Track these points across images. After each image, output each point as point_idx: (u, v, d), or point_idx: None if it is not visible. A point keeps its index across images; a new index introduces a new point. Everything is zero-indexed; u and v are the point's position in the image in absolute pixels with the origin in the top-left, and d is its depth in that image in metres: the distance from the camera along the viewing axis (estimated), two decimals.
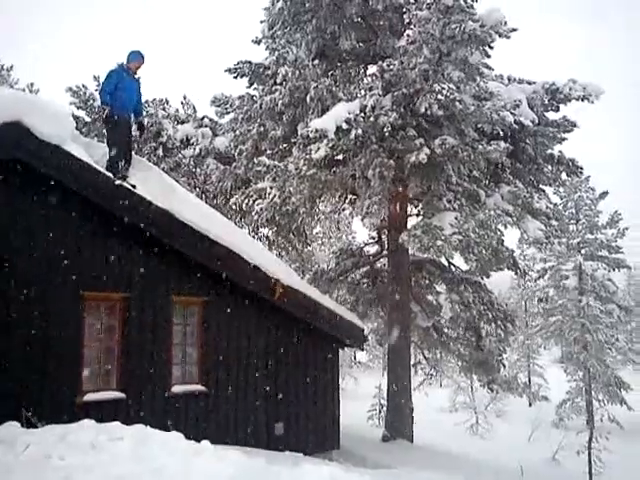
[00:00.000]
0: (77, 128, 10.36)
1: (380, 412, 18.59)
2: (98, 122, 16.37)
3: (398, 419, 13.39)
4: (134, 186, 8.00)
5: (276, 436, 9.37)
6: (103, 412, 7.09)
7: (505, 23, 10.89)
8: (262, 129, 13.43)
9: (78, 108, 17.74)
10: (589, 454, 14.60)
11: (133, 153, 8.98)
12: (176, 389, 8.38)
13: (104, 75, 8.67)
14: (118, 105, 8.39)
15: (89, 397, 7.50)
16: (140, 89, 8.95)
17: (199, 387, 8.65)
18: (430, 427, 16.61)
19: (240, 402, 9.07)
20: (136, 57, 8.73)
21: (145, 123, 10.27)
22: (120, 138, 8.46)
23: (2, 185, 7.12)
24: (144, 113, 10.60)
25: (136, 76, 8.80)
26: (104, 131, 9.90)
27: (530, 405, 28.55)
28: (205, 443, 5.64)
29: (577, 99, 13.08)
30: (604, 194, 26.46)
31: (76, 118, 15.62)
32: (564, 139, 13.55)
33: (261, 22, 14.32)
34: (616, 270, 26.49)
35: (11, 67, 25.43)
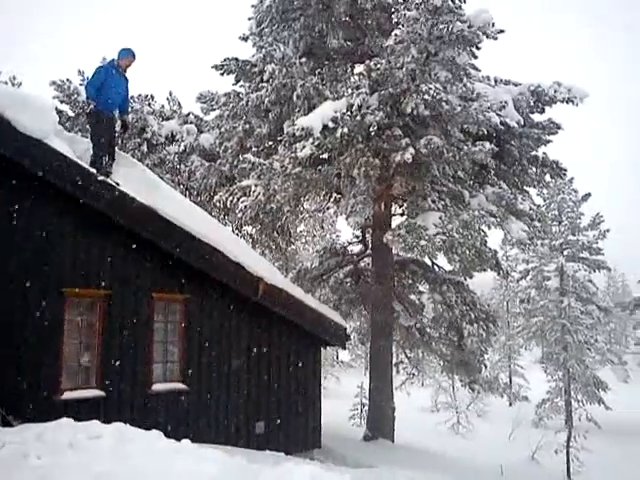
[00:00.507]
0: (60, 122, 10.23)
1: (362, 411, 18.63)
2: (82, 117, 16.21)
3: (380, 418, 13.41)
4: (118, 183, 7.91)
5: (257, 435, 9.33)
6: (82, 410, 7.01)
7: (493, 24, 10.94)
8: (248, 126, 13.38)
9: (62, 102, 17.53)
10: (567, 453, 14.74)
11: (117, 149, 8.87)
12: (157, 387, 8.30)
13: (92, 70, 8.57)
14: (103, 101, 8.29)
15: (68, 395, 7.39)
16: (128, 87, 8.86)
17: (180, 385, 8.58)
18: (411, 426, 16.66)
19: (221, 401, 9.02)
20: (127, 55, 8.63)
21: (129, 121, 10.15)
22: (103, 134, 8.35)
23: None
24: (129, 110, 10.47)
25: (126, 74, 8.70)
26: (87, 126, 9.78)
27: (510, 405, 28.78)
28: (185, 442, 5.59)
29: (562, 101, 13.19)
30: (587, 196, 26.75)
31: (60, 112, 15.44)
32: (549, 141, 13.65)
33: (249, 19, 14.26)
34: (596, 271, 26.81)
35: None
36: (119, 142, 15.47)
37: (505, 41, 12.08)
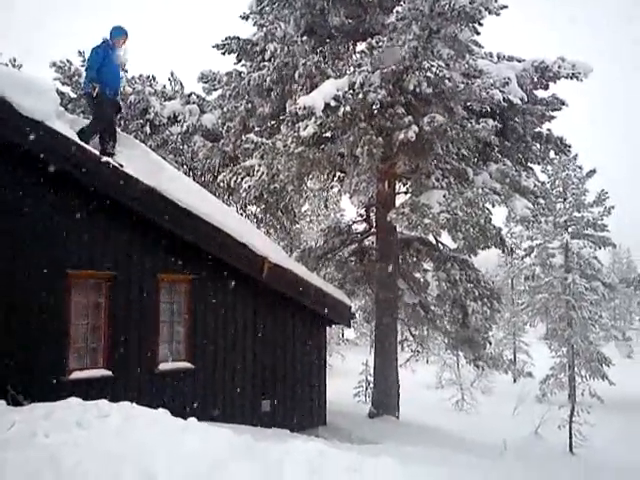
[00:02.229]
0: (62, 104, 10.20)
1: (367, 389, 18.80)
2: (83, 98, 16.14)
3: (384, 395, 13.53)
4: (121, 165, 7.91)
5: (263, 413, 9.45)
6: (90, 390, 7.10)
7: (495, 0, 10.80)
8: (250, 106, 13.31)
9: (63, 84, 17.44)
10: (570, 428, 14.86)
11: (119, 130, 8.86)
12: (163, 367, 8.40)
13: (89, 51, 8.52)
14: (104, 82, 8.28)
15: (76, 375, 7.50)
16: (120, 66, 8.84)
17: (186, 364, 8.68)
18: (416, 403, 16.82)
19: (227, 379, 9.13)
20: (119, 33, 8.58)
21: (120, 102, 10.11)
22: (105, 115, 8.35)
23: None
24: (121, 90, 10.46)
25: (120, 53, 8.67)
26: (88, 107, 9.75)
27: (515, 381, 28.95)
28: (192, 420, 5.67)
29: (566, 77, 13.02)
30: (591, 172, 26.56)
31: (61, 94, 15.37)
32: (553, 117, 13.55)
33: None
34: (601, 248, 26.77)
35: None
36: (121, 123, 15.46)
37: (508, 16, 11.92)
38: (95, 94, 8.29)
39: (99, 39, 8.58)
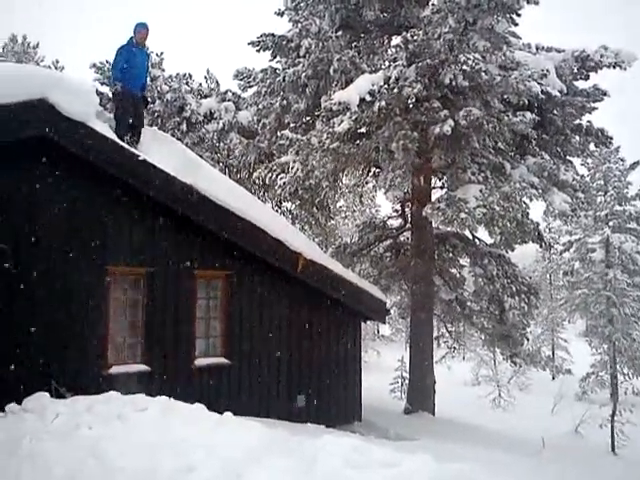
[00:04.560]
0: (101, 104, 10.41)
1: (402, 385, 18.70)
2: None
3: (420, 392, 13.45)
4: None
5: (298, 408, 9.50)
6: (128, 384, 7.25)
7: None
8: (285, 102, 13.36)
9: (102, 84, 17.80)
10: (612, 427, 14.56)
11: (155, 128, 9.01)
12: (200, 362, 8.52)
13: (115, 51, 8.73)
14: (128, 80, 8.44)
15: (115, 370, 7.66)
16: (147, 62, 9.00)
17: (222, 360, 8.78)
18: (452, 400, 16.69)
19: (263, 375, 9.20)
20: (140, 28, 8.77)
21: (149, 98, 10.28)
22: (127, 113, 8.51)
23: (29, 161, 7.21)
24: (148, 85, 10.65)
25: (145, 49, 8.85)
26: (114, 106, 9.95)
27: (553, 378, 28.46)
28: (228, 415, 5.74)
29: (608, 66, 12.68)
30: (635, 164, 25.84)
31: (100, 94, 15.67)
32: (594, 109, 13.21)
33: None
34: None
35: (37, 44, 25.59)
36: (158, 122, 15.68)
37: (548, 5, 11.67)
38: (115, 92, 8.50)
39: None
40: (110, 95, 17.29)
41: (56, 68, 20.36)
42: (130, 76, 8.46)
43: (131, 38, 8.72)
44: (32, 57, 24.33)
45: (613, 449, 14.30)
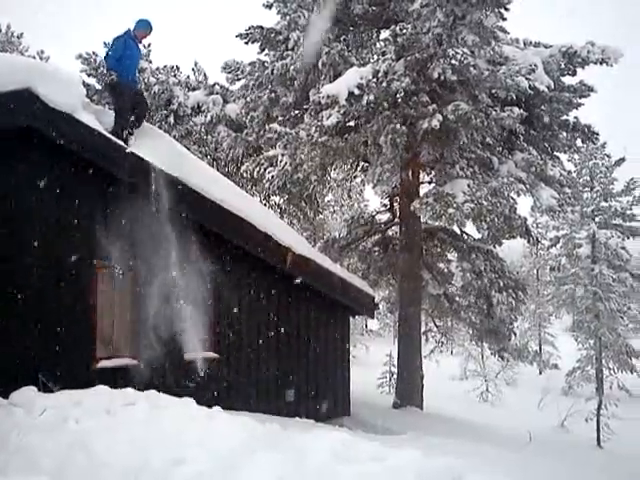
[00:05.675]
0: (88, 96, 10.30)
1: (391, 380, 18.77)
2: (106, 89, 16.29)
3: (408, 387, 13.50)
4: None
5: (287, 403, 9.49)
6: (117, 378, 7.19)
7: None
8: (273, 95, 13.31)
9: (89, 75, 17.64)
10: (598, 421, 14.67)
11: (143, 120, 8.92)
12: (188, 356, 8.47)
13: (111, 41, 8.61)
14: (124, 71, 8.33)
15: (103, 364, 7.60)
16: (139, 56, 8.91)
17: (211, 354, 8.74)
18: (440, 394, 16.75)
19: (252, 369, 9.18)
20: (144, 26, 8.62)
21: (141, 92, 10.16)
22: (126, 105, 8.40)
23: (15, 153, 7.11)
24: (138, 80, 10.55)
25: (140, 44, 8.75)
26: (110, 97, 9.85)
27: (540, 373, 28.68)
28: (217, 409, 5.72)
29: (595, 62, 12.75)
30: (620, 161, 26.03)
31: (87, 86, 15.53)
32: (580, 104, 13.28)
33: None
34: (630, 238, 26.26)
35: (21, 34, 25.28)
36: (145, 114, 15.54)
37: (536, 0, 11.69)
38: (110, 82, 8.40)
39: (121, 30, 8.65)
40: (97, 86, 17.23)
41: (41, 58, 20.12)
42: (125, 67, 8.37)
43: (129, 30, 8.59)
44: (16, 47, 24.04)
45: (599, 443, 14.42)
